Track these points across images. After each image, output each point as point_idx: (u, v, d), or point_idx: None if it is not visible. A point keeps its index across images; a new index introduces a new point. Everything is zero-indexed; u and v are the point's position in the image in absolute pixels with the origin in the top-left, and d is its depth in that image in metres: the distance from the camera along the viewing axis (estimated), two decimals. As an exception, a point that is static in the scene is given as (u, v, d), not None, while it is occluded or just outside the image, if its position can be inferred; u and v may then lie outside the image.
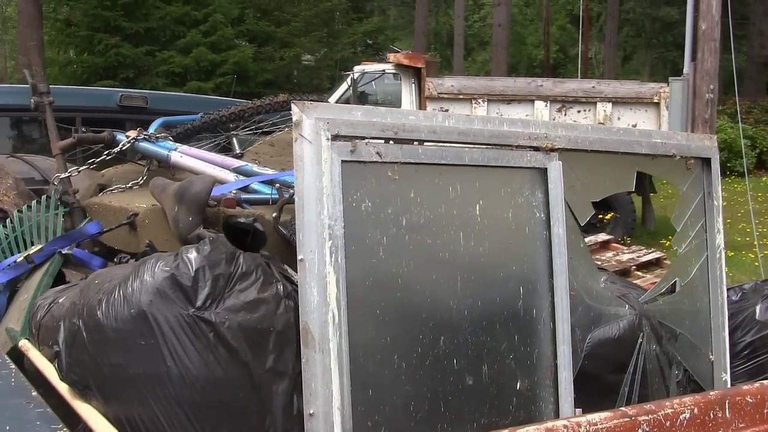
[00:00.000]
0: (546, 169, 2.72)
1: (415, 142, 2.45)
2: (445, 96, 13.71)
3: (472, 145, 2.60)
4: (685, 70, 7.89)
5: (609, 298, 2.94)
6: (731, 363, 3.22)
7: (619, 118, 13.44)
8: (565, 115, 13.42)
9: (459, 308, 2.48)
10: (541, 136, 2.71)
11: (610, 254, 10.21)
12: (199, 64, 22.37)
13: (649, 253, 10.22)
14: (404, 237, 2.39)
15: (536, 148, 2.71)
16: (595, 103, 13.64)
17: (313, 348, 2.21)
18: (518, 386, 2.59)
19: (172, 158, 4.10)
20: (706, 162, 3.25)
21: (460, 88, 14.00)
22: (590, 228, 11.93)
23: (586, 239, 10.02)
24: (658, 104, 12.79)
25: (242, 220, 2.62)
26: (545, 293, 2.68)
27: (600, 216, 11.85)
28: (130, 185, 3.95)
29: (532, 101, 13.57)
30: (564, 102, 13.66)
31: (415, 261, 2.41)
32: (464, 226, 2.52)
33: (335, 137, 2.31)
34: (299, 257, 2.22)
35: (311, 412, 2.16)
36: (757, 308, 3.38)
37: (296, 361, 2.26)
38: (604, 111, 13.53)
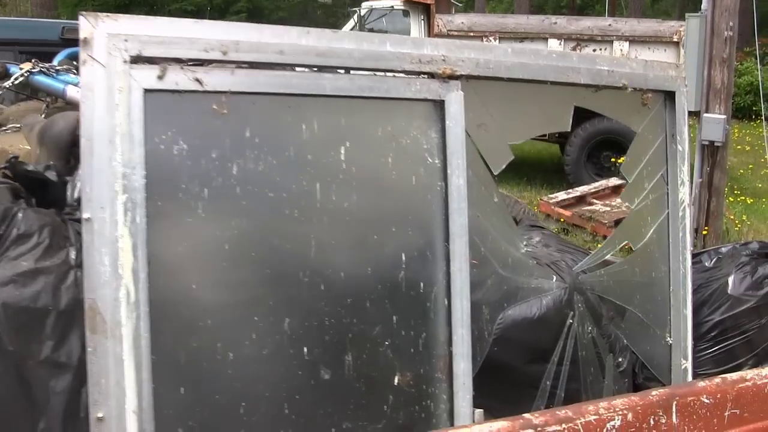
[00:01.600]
0: (443, 101, 2.32)
1: (252, 66, 2.05)
2: (455, 33, 13.69)
3: (338, 71, 2.18)
4: (703, 6, 7.34)
5: (530, 268, 2.57)
6: (695, 346, 2.86)
7: (636, 57, 13.19)
8: (580, 54, 13.05)
9: (314, 282, 2.13)
10: (437, 59, 2.31)
11: (619, 200, 9.88)
12: (212, 1, 22.47)
13: (663, 197, 9.82)
14: (235, 190, 2.02)
15: (430, 75, 2.30)
16: (611, 42, 13.54)
17: (102, 333, 1.86)
18: (397, 381, 2.23)
19: (68, 93, 3.72)
20: (670, 96, 2.85)
21: (470, 25, 13.97)
22: (603, 171, 11.68)
23: (597, 183, 9.71)
24: (677, 44, 12.52)
25: (31, 167, 2.24)
26: (438, 262, 2.32)
27: (613, 159, 11.75)
28: (20, 125, 3.59)
29: (546, 39, 13.44)
30: (579, 40, 13.51)
31: (252, 221, 2.05)
32: (324, 176, 2.15)
33: (136, 59, 1.93)
34: (84, 215, 1.85)
35: (99, 415, 1.84)
36: (730, 280, 3.02)
37: (84, 350, 1.90)
38: (621, 50, 13.36)
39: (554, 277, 2.69)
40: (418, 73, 2.32)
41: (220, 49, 2.04)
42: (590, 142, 12.08)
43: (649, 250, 2.87)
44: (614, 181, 10.51)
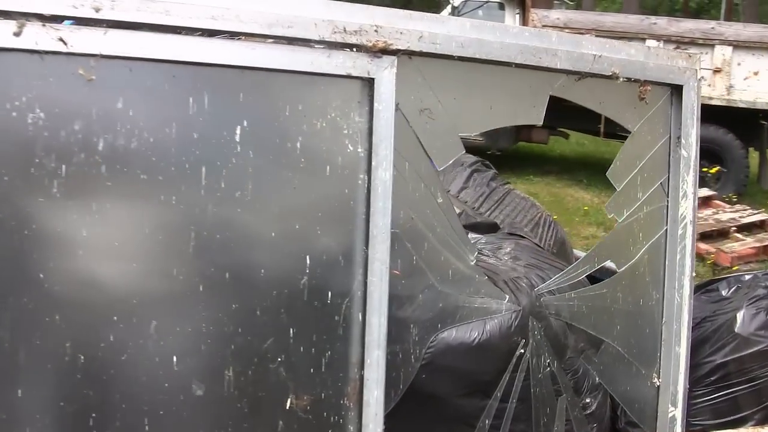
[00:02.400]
0: (372, 80, 2.02)
1: (130, 26, 1.81)
2: (550, 28, 13.35)
3: (238, 37, 1.91)
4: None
5: (476, 284, 2.23)
6: (690, 391, 2.45)
7: (739, 64, 12.65)
8: (679, 58, 12.46)
9: (191, 282, 1.88)
10: (368, 29, 2.00)
11: (709, 212, 9.35)
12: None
13: (755, 214, 9.29)
14: (99, 169, 1.77)
15: (358, 47, 1.99)
16: (713, 46, 12.86)
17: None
18: (290, 404, 1.95)
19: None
20: (676, 91, 2.46)
21: (566, 22, 13.72)
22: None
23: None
24: (785, 51, 11.79)
25: None
26: (353, 270, 2.02)
27: (705, 168, 11.32)
28: None
29: (644, 40, 12.88)
30: (679, 43, 12.91)
31: (117, 206, 1.81)
32: (213, 159, 1.87)
33: (-19, 11, 1.70)
34: None
35: None
36: (739, 315, 2.58)
37: None
38: (723, 55, 12.67)
39: (507, 298, 2.33)
40: (342, 45, 2.01)
41: (92, 5, 1.80)
42: None
43: (638, 272, 2.48)
44: (704, 192, 10.07)
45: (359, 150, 2.06)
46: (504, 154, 10.85)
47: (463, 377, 2.27)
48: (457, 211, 3.22)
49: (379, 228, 2.06)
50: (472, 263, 2.28)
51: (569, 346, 2.44)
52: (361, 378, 2.07)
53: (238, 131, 1.94)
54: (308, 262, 2.01)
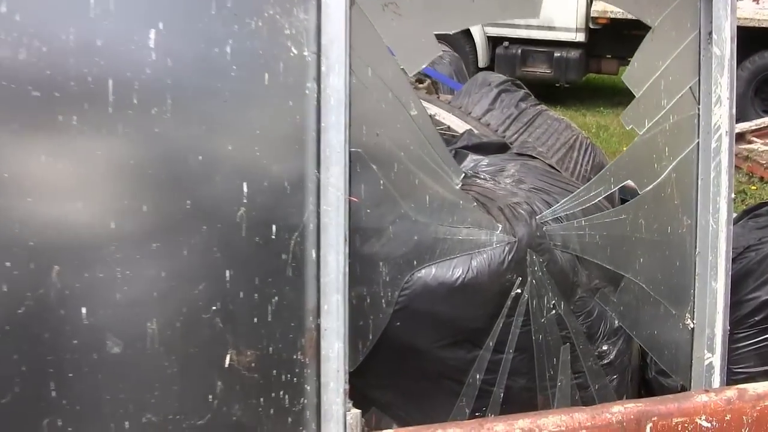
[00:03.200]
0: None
1: None
2: None
3: None
4: None
5: (461, 212, 1.89)
6: (731, 334, 2.11)
7: None
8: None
9: (100, 217, 1.58)
10: None
11: None
12: None
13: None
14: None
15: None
16: None
17: None
18: (229, 361, 1.67)
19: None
20: (708, -26, 2.04)
21: None
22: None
23: (760, 120, 8.48)
24: None
25: None
26: (302, 198, 1.70)
27: None
28: None
29: None
30: None
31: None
32: (122, 71, 1.57)
33: None
34: None
35: None
36: (790, 243, 2.18)
37: None
38: None
39: (499, 227, 1.99)
40: None
41: None
42: (759, 76, 10.56)
43: (664, 194, 2.12)
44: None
45: (305, 53, 1.73)
46: (573, 86, 10.29)
47: (446, 324, 1.94)
48: (475, 131, 2.86)
49: (332, 147, 1.74)
50: (457, 187, 1.94)
51: (580, 284, 2.09)
52: (318, 328, 1.77)
53: (152, 35, 1.62)
54: (245, 189, 1.70)
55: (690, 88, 2.13)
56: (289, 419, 1.78)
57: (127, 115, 1.62)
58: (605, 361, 2.13)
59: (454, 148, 2.58)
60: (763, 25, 10.01)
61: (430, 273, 1.91)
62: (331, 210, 1.75)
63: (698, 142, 2.14)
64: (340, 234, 1.76)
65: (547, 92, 9.42)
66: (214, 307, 1.70)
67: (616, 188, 2.11)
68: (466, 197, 1.97)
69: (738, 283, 2.30)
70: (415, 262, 1.89)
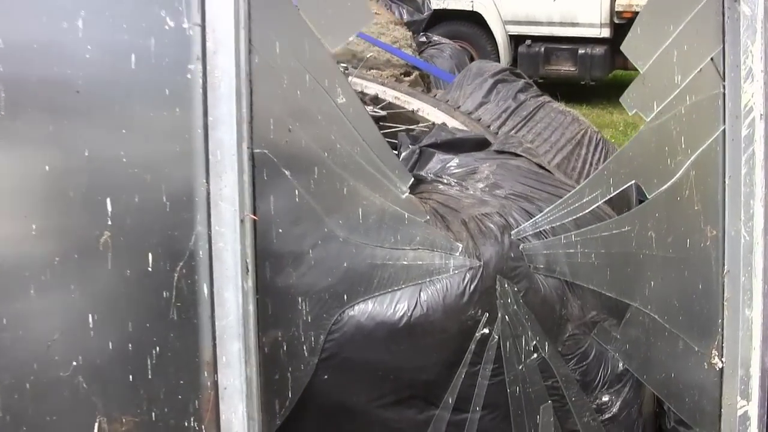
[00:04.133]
0: None
1: None
2: None
3: None
4: None
5: (410, 227, 1.49)
6: None
7: None
8: None
9: None
10: None
11: None
12: None
13: None
14: None
15: None
16: None
17: None
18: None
19: None
20: None
21: None
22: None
23: None
24: None
25: None
26: (187, 217, 1.33)
27: None
28: None
29: None
30: None
31: None
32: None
33: None
34: None
35: None
36: None
37: None
38: None
39: (460, 247, 1.58)
40: None
41: None
42: None
43: (680, 198, 1.69)
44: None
45: (186, 26, 1.35)
46: (599, 83, 9.86)
47: (388, 377, 1.54)
48: (447, 126, 2.47)
49: (224, 148, 1.36)
50: (403, 196, 1.53)
51: (570, 318, 1.67)
52: (216, 386, 1.39)
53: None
54: (110, 208, 1.33)
55: (712, 59, 1.70)
56: (182, 505, 1.40)
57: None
58: (607, 416, 1.71)
59: (419, 146, 2.18)
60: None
61: (365, 310, 1.50)
62: (226, 231, 1.37)
63: (724, 129, 1.70)
64: (239, 263, 1.38)
65: (572, 90, 9.06)
66: (74, 363, 1.33)
67: (617, 192, 1.69)
68: (416, 209, 1.56)
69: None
70: (345, 297, 1.49)
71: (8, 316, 1.30)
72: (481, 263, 1.57)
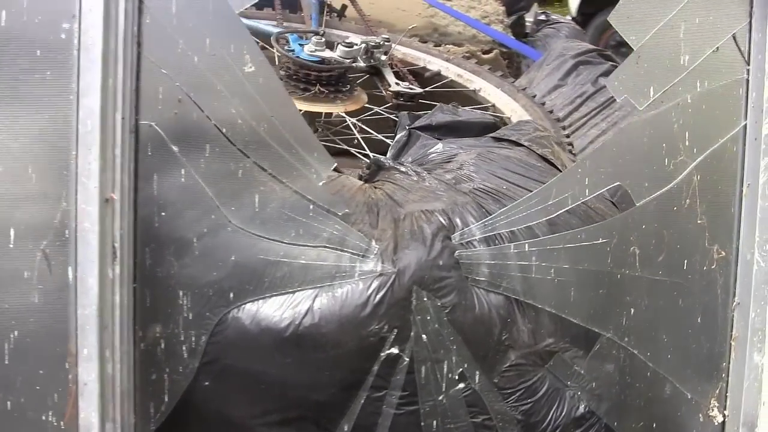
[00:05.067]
0: None
1: None
2: None
3: None
4: None
5: (317, 220, 1.31)
6: None
7: None
8: None
9: None
10: None
11: None
12: None
13: None
14: None
15: None
16: None
17: None
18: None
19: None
20: None
21: None
22: None
23: None
24: None
25: None
26: (51, 193, 1.24)
27: None
28: None
29: None
30: None
31: None
32: None
33: None
34: None
35: None
36: None
37: None
38: None
39: (375, 249, 1.37)
40: None
41: None
42: None
43: (677, 209, 1.41)
44: None
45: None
46: None
47: (273, 392, 1.35)
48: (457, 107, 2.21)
49: (94, 118, 1.24)
50: (319, 183, 1.35)
51: (515, 345, 1.41)
52: (76, 380, 1.28)
53: None
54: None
55: (734, 36, 1.39)
56: (37, 506, 1.31)
57: None
58: None
59: (408, 127, 1.96)
60: None
61: (252, 313, 1.34)
62: (92, 211, 1.25)
63: (745, 126, 1.39)
64: (106, 245, 1.26)
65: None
66: (-76, 341, 1.28)
67: (593, 195, 1.41)
68: (332, 201, 1.37)
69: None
70: (231, 296, 1.33)
71: None
72: (395, 270, 1.36)
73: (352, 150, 2.36)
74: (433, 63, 2.93)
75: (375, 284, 1.35)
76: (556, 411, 1.45)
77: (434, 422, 1.40)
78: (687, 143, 1.41)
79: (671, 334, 1.43)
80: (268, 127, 1.35)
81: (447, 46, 3.28)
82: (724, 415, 1.43)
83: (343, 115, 2.48)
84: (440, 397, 1.39)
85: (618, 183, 1.41)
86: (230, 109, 1.34)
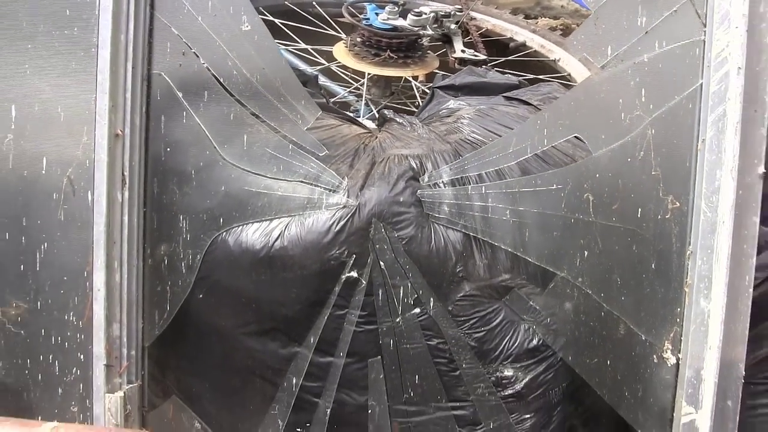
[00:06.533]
0: None
1: None
2: None
3: None
4: None
5: (294, 159, 1.56)
6: (746, 383, 1.53)
7: None
8: None
9: None
10: None
11: None
12: None
13: None
14: None
15: None
16: None
17: None
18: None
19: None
20: None
21: None
22: None
23: None
24: None
25: None
26: (74, 128, 1.56)
27: None
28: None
29: None
30: None
31: None
32: None
33: None
34: None
35: None
36: None
37: None
38: None
39: (344, 185, 1.59)
40: None
41: None
42: None
43: (631, 160, 1.56)
44: None
45: (87, -52, 1.54)
46: None
47: (250, 305, 1.59)
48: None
49: (108, 67, 1.53)
50: (303, 128, 1.60)
51: (470, 277, 1.59)
52: (91, 287, 1.58)
53: None
54: (13, 113, 1.57)
55: (692, 1, 1.52)
56: (60, 390, 1.62)
57: None
58: (509, 392, 1.61)
59: (432, 86, 2.16)
60: None
61: (236, 237, 1.59)
62: (105, 144, 1.55)
63: (701, 84, 1.52)
64: (115, 173, 1.55)
65: None
66: (-22, 250, 1.61)
67: (552, 145, 1.57)
68: (313, 143, 1.60)
69: (765, 308, 1.60)
70: (221, 221, 1.59)
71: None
72: (357, 204, 1.58)
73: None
74: (520, 34, 3.12)
75: (338, 215, 1.58)
76: (510, 341, 1.62)
77: (391, 341, 1.61)
78: (643, 100, 1.55)
79: (625, 278, 1.57)
80: (261, 78, 1.61)
81: (541, 19, 3.48)
82: (677, 358, 1.57)
83: (410, 79, 2.72)
84: (397, 319, 1.61)
85: (575, 134, 1.57)
86: (227, 62, 1.60)
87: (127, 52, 1.54)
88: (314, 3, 3.02)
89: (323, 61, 2.72)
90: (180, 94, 1.59)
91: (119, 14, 1.53)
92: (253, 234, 1.59)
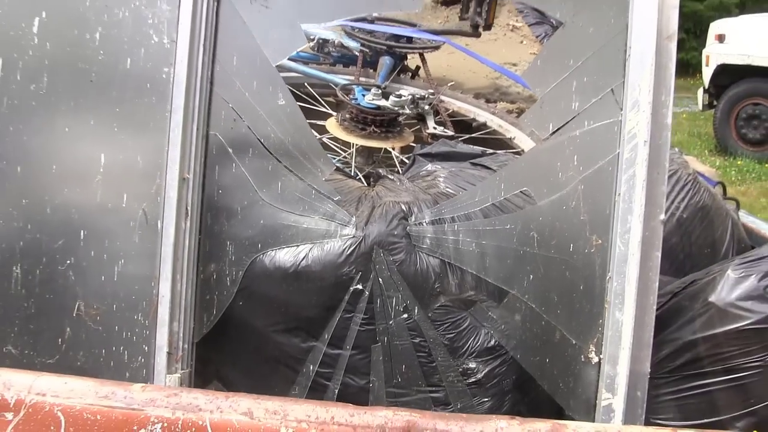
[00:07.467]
0: (183, -37, 2.08)
1: None
2: None
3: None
4: None
5: (316, 202, 2.11)
6: (652, 377, 2.06)
7: None
8: None
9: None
10: None
11: None
12: None
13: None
14: None
15: (169, -72, 2.07)
16: None
17: None
18: (76, 312, 2.10)
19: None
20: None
21: None
22: None
23: None
24: None
25: None
26: (150, 172, 2.09)
27: None
28: None
29: None
30: None
31: None
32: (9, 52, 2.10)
33: None
34: None
35: None
36: (721, 279, 2.03)
37: None
38: None
39: (353, 221, 2.16)
40: (149, -74, 2.09)
41: None
42: None
43: (566, 208, 2.12)
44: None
45: (165, 41, 2.10)
46: None
47: (281, 309, 2.15)
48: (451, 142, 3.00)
49: (174, 128, 2.08)
50: (323, 179, 2.16)
51: (445, 292, 2.15)
52: (157, 294, 2.11)
53: (36, 22, 2.12)
54: (102, 160, 2.12)
55: (612, 90, 2.10)
56: (127, 374, 2.14)
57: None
58: (472, 380, 2.16)
59: (413, 155, 2.76)
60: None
61: (271, 257, 2.15)
62: (174, 185, 2.09)
63: (619, 153, 2.10)
64: (181, 207, 2.09)
65: None
66: (68, 261, 2.14)
67: (504, 197, 2.15)
68: (329, 189, 2.18)
69: (666, 320, 2.16)
70: (259, 245, 2.15)
71: (35, 223, 2.13)
72: (363, 235, 2.15)
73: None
74: (481, 115, 3.76)
75: (349, 242, 2.15)
76: (474, 341, 2.17)
77: (385, 338, 2.16)
78: (575, 163, 2.13)
79: (560, 295, 2.13)
80: (291, 140, 2.17)
81: (500, 102, 4.12)
82: (599, 357, 2.12)
83: (390, 149, 3.33)
84: (390, 322, 2.16)
85: (524, 189, 2.15)
86: (267, 127, 2.16)
87: (193, 116, 2.10)
88: (306, 84, 3.67)
89: (316, 134, 3.34)
90: (230, 150, 2.15)
91: (190, 88, 2.09)
92: (284, 256, 2.15)
